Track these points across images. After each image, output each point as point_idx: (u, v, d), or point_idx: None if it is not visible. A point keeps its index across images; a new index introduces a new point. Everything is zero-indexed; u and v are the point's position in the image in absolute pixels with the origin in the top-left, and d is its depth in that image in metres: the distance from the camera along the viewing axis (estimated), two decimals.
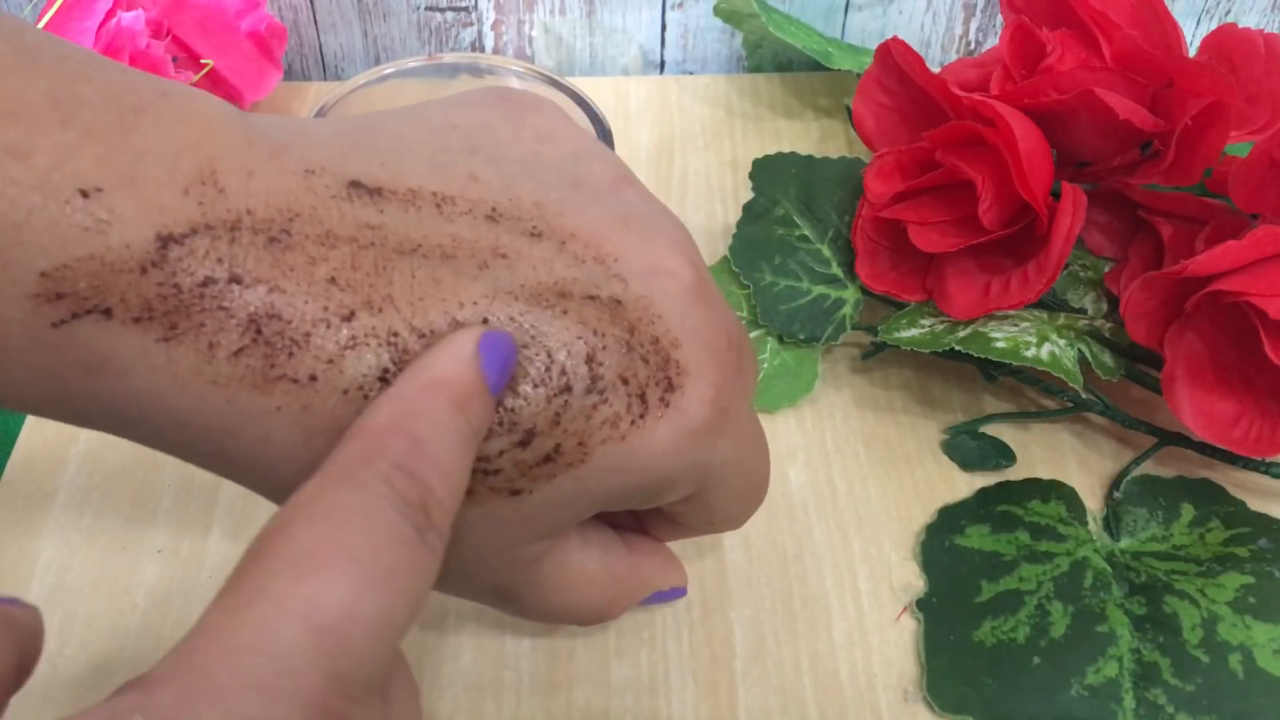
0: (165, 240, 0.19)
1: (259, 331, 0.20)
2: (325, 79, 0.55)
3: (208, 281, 0.20)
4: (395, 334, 0.21)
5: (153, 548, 0.35)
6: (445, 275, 0.22)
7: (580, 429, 0.22)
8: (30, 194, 0.18)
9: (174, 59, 0.45)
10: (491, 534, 0.23)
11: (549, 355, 0.22)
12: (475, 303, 0.22)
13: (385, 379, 0.21)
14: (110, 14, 0.43)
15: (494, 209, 0.23)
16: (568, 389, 0.22)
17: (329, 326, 0.21)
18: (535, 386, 0.22)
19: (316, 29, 0.53)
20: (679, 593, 0.31)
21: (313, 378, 0.21)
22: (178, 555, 0.35)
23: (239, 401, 0.21)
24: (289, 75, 0.54)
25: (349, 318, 0.21)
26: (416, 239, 0.22)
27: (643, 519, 0.30)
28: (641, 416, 0.23)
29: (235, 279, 0.20)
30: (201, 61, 0.46)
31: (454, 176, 0.23)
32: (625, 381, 0.23)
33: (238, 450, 0.21)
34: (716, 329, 0.24)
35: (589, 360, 0.22)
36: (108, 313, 0.19)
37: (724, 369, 0.24)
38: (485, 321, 0.22)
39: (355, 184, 0.22)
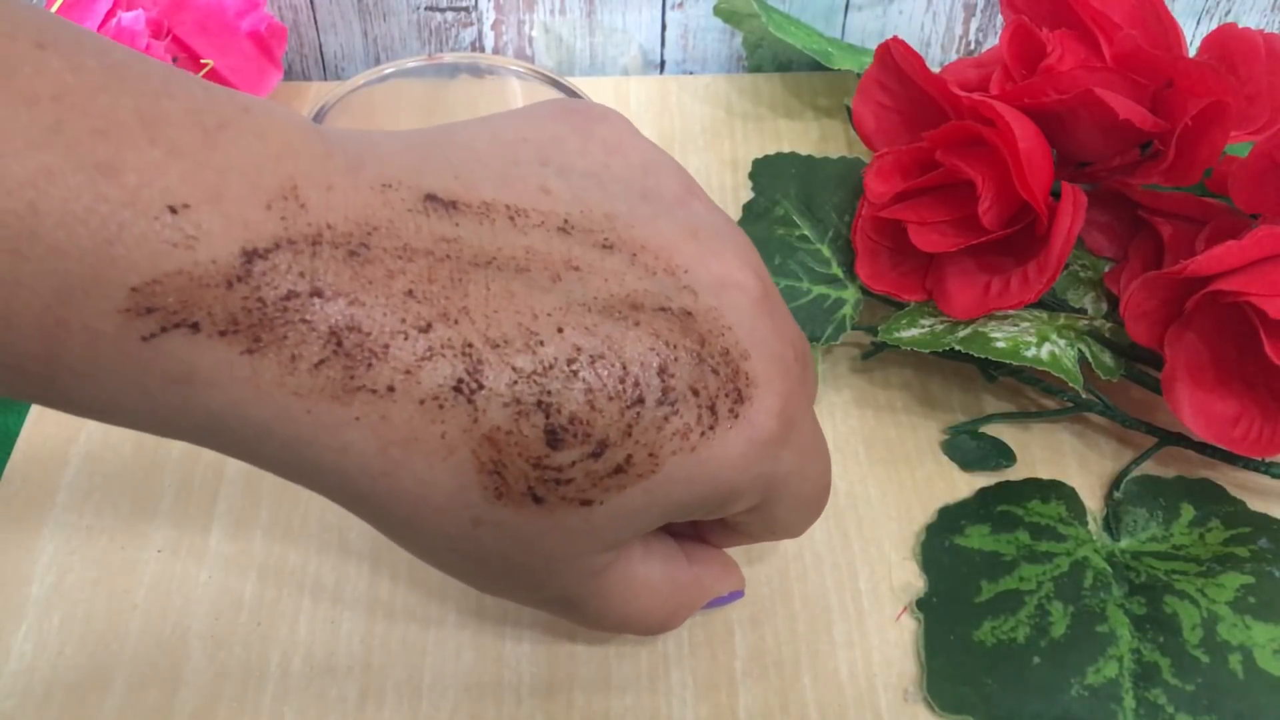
0: (250, 255, 0.20)
1: (339, 343, 0.20)
2: (325, 79, 0.55)
3: (290, 295, 0.20)
4: (470, 345, 0.21)
5: (153, 548, 0.35)
6: (519, 288, 0.22)
7: (652, 440, 0.22)
8: (121, 210, 0.19)
9: (174, 59, 0.45)
10: (561, 544, 0.23)
11: (623, 367, 0.22)
12: (549, 314, 0.22)
13: (459, 389, 0.21)
14: (110, 14, 0.43)
15: (566, 221, 0.23)
16: (640, 400, 0.22)
17: (407, 338, 0.21)
18: (609, 399, 0.22)
19: (316, 29, 0.53)
20: (736, 595, 0.31)
21: (390, 388, 0.21)
22: (178, 555, 0.35)
23: (319, 412, 0.21)
24: (289, 75, 0.54)
25: (426, 329, 0.21)
26: (491, 252, 0.22)
27: (701, 527, 0.30)
28: (711, 428, 0.23)
29: (317, 292, 0.20)
30: (201, 61, 0.46)
31: (526, 189, 0.23)
32: (696, 393, 0.23)
33: (317, 460, 0.21)
34: (783, 340, 0.25)
35: (661, 372, 0.23)
36: (195, 326, 0.20)
37: (790, 380, 0.24)
38: (560, 332, 0.22)
39: (431, 197, 0.22)
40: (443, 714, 0.31)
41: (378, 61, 0.54)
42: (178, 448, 0.37)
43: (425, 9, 0.52)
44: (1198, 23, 0.54)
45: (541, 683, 0.32)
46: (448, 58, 0.40)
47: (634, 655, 0.33)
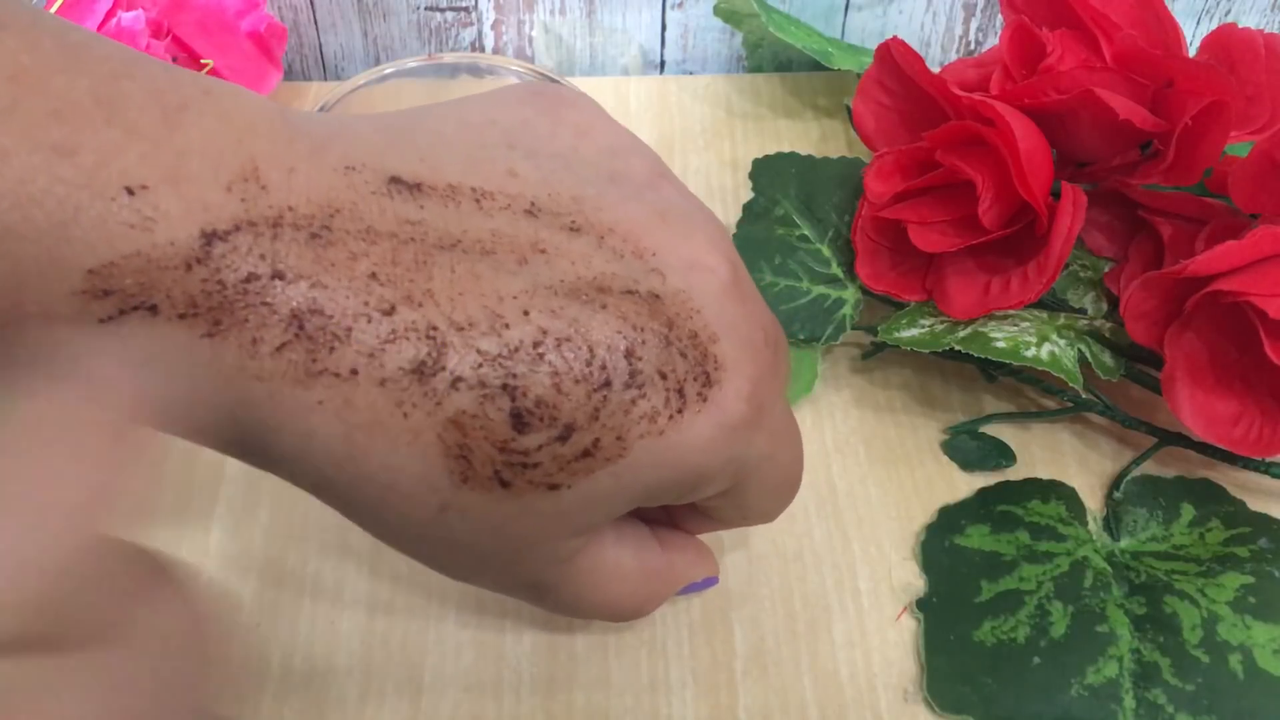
0: (209, 237, 0.20)
1: (301, 327, 0.20)
2: (325, 79, 0.55)
3: (251, 278, 0.20)
4: (434, 328, 0.21)
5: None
6: (485, 270, 0.22)
7: (619, 424, 0.22)
8: (77, 192, 0.18)
9: (174, 59, 0.45)
10: (529, 528, 0.23)
11: (589, 350, 0.22)
12: (515, 297, 0.22)
13: (423, 372, 0.21)
14: (110, 14, 0.43)
15: (533, 204, 0.23)
16: (607, 384, 0.22)
17: (370, 321, 0.21)
18: (575, 381, 0.22)
19: (316, 29, 0.53)
20: (711, 582, 0.31)
21: (354, 371, 0.21)
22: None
23: (282, 397, 0.21)
24: (289, 75, 0.54)
25: (389, 312, 0.21)
26: (456, 234, 0.22)
27: (674, 513, 0.30)
28: (680, 411, 0.23)
29: (278, 275, 0.20)
30: (201, 61, 0.46)
31: (493, 172, 0.23)
32: (664, 376, 0.23)
33: (281, 445, 0.21)
34: (753, 324, 0.24)
35: (628, 355, 0.22)
36: (153, 309, 0.19)
37: (760, 364, 0.24)
38: (525, 315, 0.22)
39: (395, 180, 0.22)
40: (443, 713, 0.31)
41: (378, 61, 0.54)
42: (178, 447, 0.37)
43: (425, 9, 0.52)
44: (1198, 23, 0.54)
45: (541, 682, 0.32)
46: (448, 58, 0.40)
47: (634, 655, 0.33)
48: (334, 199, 0.21)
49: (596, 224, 0.23)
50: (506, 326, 0.22)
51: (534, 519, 0.23)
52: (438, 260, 0.22)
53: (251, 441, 0.21)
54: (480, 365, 0.21)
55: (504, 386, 0.21)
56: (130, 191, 0.19)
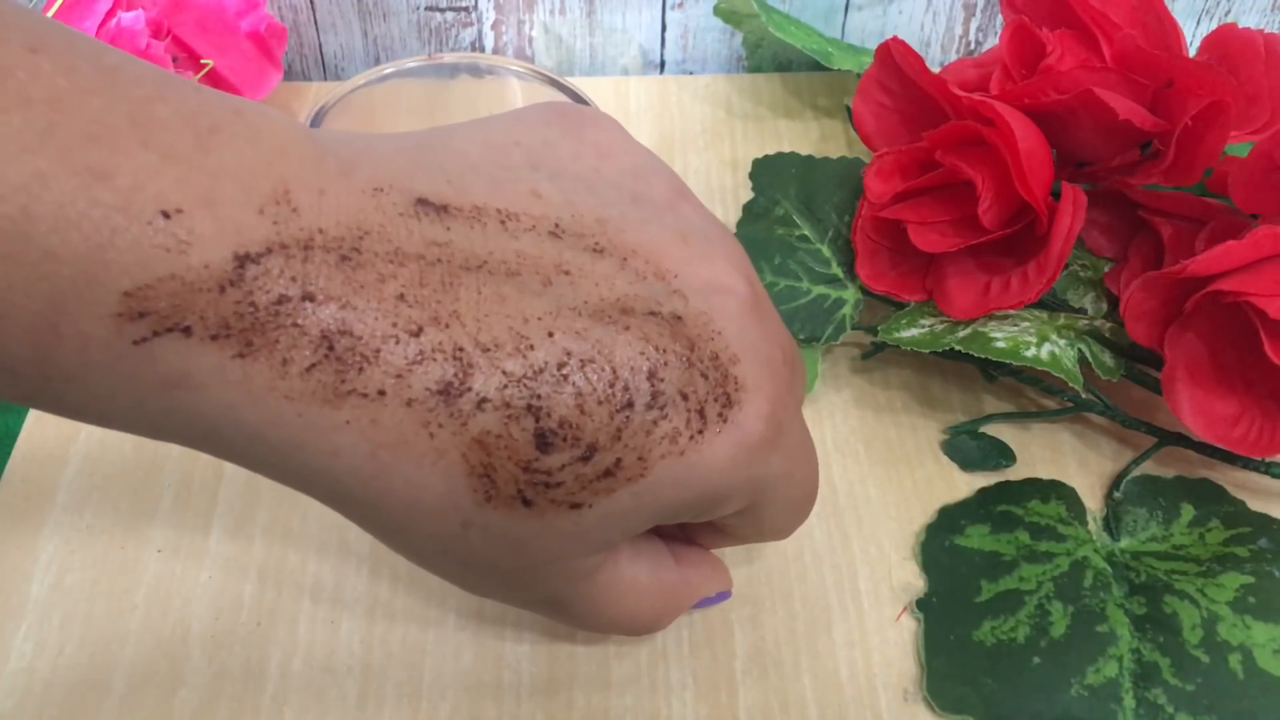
0: (242, 260, 0.20)
1: (331, 347, 0.21)
2: (325, 79, 0.55)
3: (282, 299, 0.20)
4: (461, 349, 0.21)
5: (153, 548, 0.35)
6: (510, 292, 0.22)
7: (641, 444, 0.22)
8: (114, 215, 0.19)
9: (174, 59, 0.45)
10: (550, 546, 0.23)
11: (612, 371, 0.22)
12: (539, 319, 0.22)
13: (449, 392, 0.21)
14: (110, 14, 0.43)
15: (557, 225, 0.23)
16: (630, 405, 0.22)
17: (398, 342, 0.21)
18: (599, 403, 0.22)
19: (316, 29, 0.53)
20: (724, 596, 0.31)
21: (381, 392, 0.21)
22: (178, 555, 0.35)
23: (310, 416, 0.21)
24: (289, 75, 0.54)
25: (417, 333, 0.21)
26: (482, 255, 0.22)
27: (689, 528, 0.30)
28: (700, 432, 0.23)
29: (308, 297, 0.20)
30: (201, 61, 0.46)
31: (517, 193, 0.23)
32: (685, 397, 0.23)
33: (307, 463, 0.22)
34: (772, 344, 0.25)
35: (650, 376, 0.23)
36: (187, 331, 0.20)
37: (778, 384, 0.24)
38: (550, 336, 0.22)
39: (422, 201, 0.22)
40: (442, 714, 0.31)
41: (378, 61, 0.54)
42: (178, 447, 0.37)
43: (425, 9, 0.52)
44: (1198, 23, 0.54)
45: (541, 683, 0.32)
46: (448, 58, 0.40)
47: (634, 655, 0.33)
48: (363, 221, 0.21)
49: (620, 245, 0.24)
50: (531, 348, 0.22)
51: (554, 537, 0.23)
52: (464, 281, 0.22)
53: (278, 458, 0.22)
54: (505, 386, 0.21)
55: (528, 407, 0.22)
56: (166, 215, 0.19)
